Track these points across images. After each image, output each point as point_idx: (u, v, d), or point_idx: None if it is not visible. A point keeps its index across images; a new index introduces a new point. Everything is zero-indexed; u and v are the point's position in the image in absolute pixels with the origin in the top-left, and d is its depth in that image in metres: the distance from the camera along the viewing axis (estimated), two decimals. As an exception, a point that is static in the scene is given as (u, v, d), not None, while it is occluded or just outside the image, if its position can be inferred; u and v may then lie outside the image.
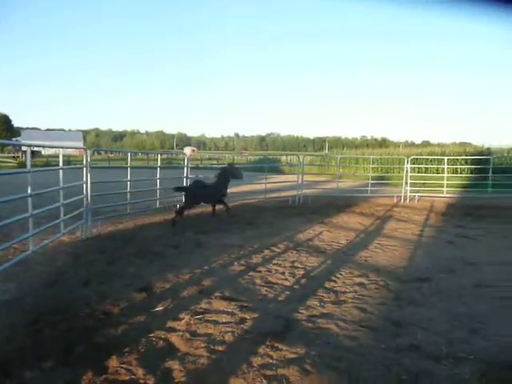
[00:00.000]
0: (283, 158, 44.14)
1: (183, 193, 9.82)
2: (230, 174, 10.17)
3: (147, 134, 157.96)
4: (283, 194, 14.05)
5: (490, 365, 3.15)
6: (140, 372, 3.01)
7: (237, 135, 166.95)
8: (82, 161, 7.87)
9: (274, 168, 25.10)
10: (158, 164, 11.03)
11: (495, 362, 3.19)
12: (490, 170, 14.65)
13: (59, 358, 3.16)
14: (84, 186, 7.65)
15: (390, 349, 3.40)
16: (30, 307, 4.17)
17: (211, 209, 10.16)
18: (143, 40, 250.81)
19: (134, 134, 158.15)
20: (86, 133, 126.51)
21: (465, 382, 2.95)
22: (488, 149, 25.89)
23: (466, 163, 21.25)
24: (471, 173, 19.21)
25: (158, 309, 4.22)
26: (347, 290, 4.92)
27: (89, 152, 7.79)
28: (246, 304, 4.39)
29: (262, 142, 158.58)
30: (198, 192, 9.34)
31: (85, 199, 7.65)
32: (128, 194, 9.28)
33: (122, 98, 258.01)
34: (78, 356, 3.21)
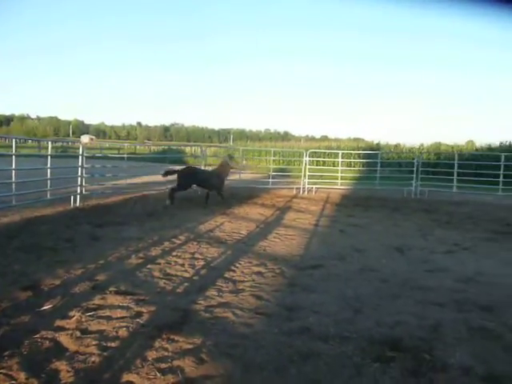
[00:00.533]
0: (187, 148, 43.63)
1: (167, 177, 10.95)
2: (229, 165, 11.33)
3: (39, 119, 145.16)
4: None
5: (370, 342, 3.45)
6: (22, 376, 2.79)
7: (139, 124, 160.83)
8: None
9: (178, 159, 24.71)
10: (49, 152, 10.22)
11: (375, 339, 3.50)
12: (379, 164, 15.94)
13: None
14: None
15: (282, 333, 3.56)
16: None
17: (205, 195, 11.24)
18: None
19: (23, 118, 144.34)
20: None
21: (348, 359, 3.19)
22: (377, 144, 28.15)
23: (359, 157, 22.87)
24: (362, 166, 20.71)
25: (45, 307, 3.93)
26: (245, 279, 5.04)
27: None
28: (142, 297, 4.29)
29: (167, 132, 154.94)
30: (189, 176, 10.72)
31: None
32: (13, 184, 8.48)
33: (8, 78, 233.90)
34: None
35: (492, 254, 6.75)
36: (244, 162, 24.40)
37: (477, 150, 23.08)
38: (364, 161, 20.44)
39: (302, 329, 3.66)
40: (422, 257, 6.45)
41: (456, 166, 14.64)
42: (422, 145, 26.32)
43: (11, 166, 8.38)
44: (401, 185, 15.14)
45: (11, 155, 8.70)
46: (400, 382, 2.91)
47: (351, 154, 22.34)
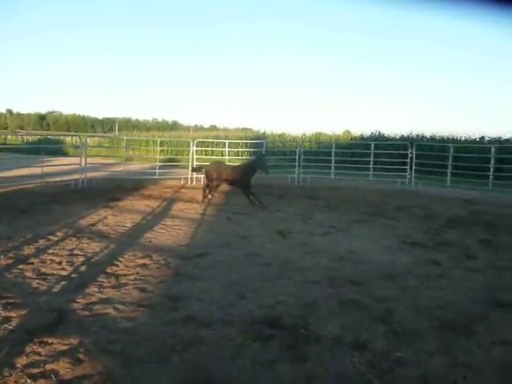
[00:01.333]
0: (68, 138, 40.53)
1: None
2: (259, 164, 10.61)
3: None
4: (65, 177, 12.95)
5: (251, 323, 3.61)
6: None
7: (10, 112, 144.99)
8: None
9: (56, 150, 22.93)
10: None
11: (256, 320, 3.67)
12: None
13: None
14: None
15: (165, 323, 3.55)
16: None
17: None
18: None
19: None
20: None
21: (230, 341, 3.30)
22: (263, 134, 29.10)
23: (246, 146, 23.43)
24: (249, 155, 21.27)
25: None
26: (129, 273, 4.91)
27: None
28: (12, 301, 3.94)
29: (43, 120, 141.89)
30: (215, 172, 10.52)
31: None
32: None
33: None
34: None
35: (363, 234, 7.44)
36: (130, 152, 23.54)
37: (351, 139, 25.10)
38: (251, 150, 21.00)
39: (186, 317, 3.69)
40: (301, 239, 6.87)
41: (333, 153, 15.79)
42: (304, 134, 27.82)
43: None
44: (285, 172, 15.88)
45: None
46: (278, 357, 3.09)
47: (238, 143, 22.78)
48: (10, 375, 2.75)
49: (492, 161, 13.63)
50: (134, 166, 17.60)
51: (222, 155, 19.66)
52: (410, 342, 3.38)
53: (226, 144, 17.27)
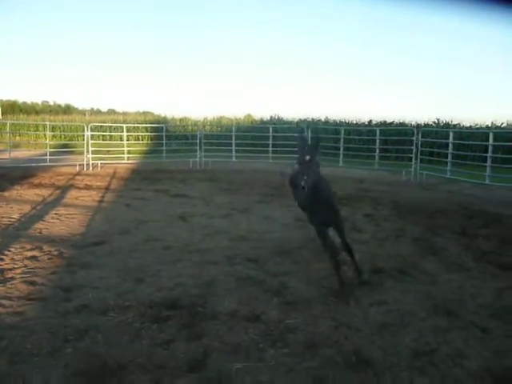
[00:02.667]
0: None
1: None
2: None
3: None
4: None
5: (150, 306, 3.63)
6: None
7: None
8: None
9: None
10: None
11: (154, 303, 3.69)
12: (164, 137, 16.22)
13: None
14: None
15: (58, 315, 3.43)
16: None
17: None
18: None
19: None
20: None
21: (128, 326, 3.29)
22: (164, 118, 28.44)
23: (147, 131, 22.77)
24: (151, 140, 20.76)
25: None
26: (16, 266, 4.59)
27: None
28: None
29: None
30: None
31: None
32: None
33: None
34: None
35: (263, 214, 7.71)
36: (17, 138, 21.59)
37: (252, 122, 25.60)
38: (151, 134, 20.47)
39: (79, 307, 3.58)
40: (202, 222, 6.95)
41: (234, 137, 16.02)
42: (205, 118, 27.73)
43: None
44: (187, 157, 15.76)
45: None
46: (176, 336, 3.16)
47: (138, 127, 22.05)
48: None
49: (377, 142, 14.87)
50: (22, 153, 16.19)
51: (121, 140, 18.92)
52: (300, 311, 3.66)
53: (124, 128, 16.62)
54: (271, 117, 24.87)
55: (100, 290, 3.97)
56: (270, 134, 16.04)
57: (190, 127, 24.10)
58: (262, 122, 24.44)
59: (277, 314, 3.57)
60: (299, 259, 5.09)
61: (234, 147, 15.81)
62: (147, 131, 22.47)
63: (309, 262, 4.95)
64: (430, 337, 3.23)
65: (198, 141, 15.45)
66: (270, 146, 15.80)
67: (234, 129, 16.51)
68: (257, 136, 17.62)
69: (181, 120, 27.20)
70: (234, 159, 15.71)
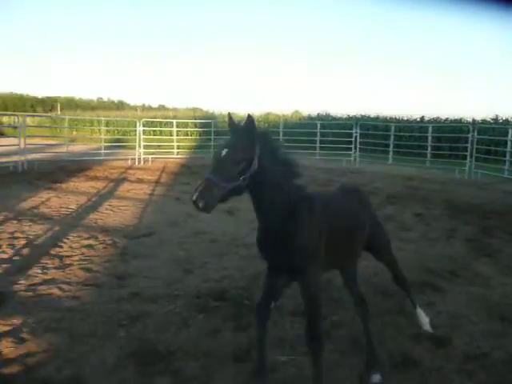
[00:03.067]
0: (4, 118, 38.22)
1: None
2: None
3: None
4: (3, 159, 12.33)
5: (197, 297, 3.73)
6: None
7: None
8: None
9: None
10: None
11: (201, 294, 3.80)
12: (213, 133, 16.47)
13: None
14: None
15: (111, 300, 3.61)
16: None
17: None
18: None
19: None
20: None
21: (176, 315, 3.41)
22: (212, 113, 28.84)
23: (196, 126, 23.18)
24: (200, 135, 21.12)
25: None
26: (74, 254, 4.86)
27: None
28: None
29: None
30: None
31: None
32: None
33: None
34: None
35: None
36: (74, 132, 22.66)
37: (300, 119, 25.46)
38: (200, 129, 20.84)
39: (132, 294, 3.75)
40: (249, 217, 7.00)
41: (282, 133, 16.03)
42: (253, 114, 27.78)
43: None
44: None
45: None
46: (222, 327, 3.24)
47: (187, 123, 22.51)
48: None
49: (429, 139, 14.38)
50: (78, 147, 17.00)
51: (172, 135, 19.41)
52: (345, 307, 3.63)
53: (174, 124, 17.01)
54: (319, 113, 24.63)
55: (150, 279, 4.13)
56: (318, 130, 15.90)
57: (237, 123, 24.27)
58: (310, 118, 24.25)
59: (323, 310, 3.57)
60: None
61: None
62: (196, 127, 22.87)
63: (355, 260, 4.89)
64: (481, 341, 3.13)
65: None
66: (318, 142, 15.68)
67: (281, 125, 16.49)
68: (304, 132, 17.53)
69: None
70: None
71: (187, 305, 3.57)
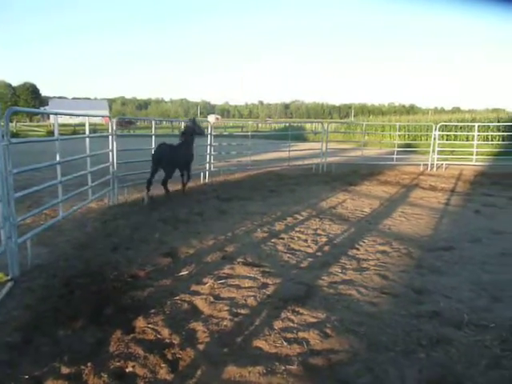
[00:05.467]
0: (307, 125, 43.48)
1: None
2: (194, 131, 8.97)
3: (171, 101, 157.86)
4: (307, 161, 13.94)
5: (511, 333, 3.15)
6: (166, 332, 3.14)
7: (261, 103, 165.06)
8: (108, 129, 7.98)
9: (299, 136, 24.75)
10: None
11: (517, 330, 3.18)
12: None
13: (89, 318, 3.31)
14: (110, 153, 7.78)
15: (410, 315, 3.43)
16: (61, 270, 4.36)
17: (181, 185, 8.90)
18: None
19: (158, 102, 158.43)
20: (111, 101, 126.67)
21: (486, 348, 2.96)
22: (521, 115, 24.87)
23: (499, 130, 20.50)
24: (503, 140, 18.56)
25: (182, 273, 4.34)
26: (370, 258, 4.94)
27: (114, 120, 7.89)
28: (268, 270, 4.47)
29: (287, 109, 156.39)
30: (170, 156, 7.99)
31: (111, 167, 7.80)
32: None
33: (147, 66, 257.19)
34: (106, 316, 3.37)
35: None
36: (366, 137, 23.61)
37: None
38: (505, 134, 18.27)
39: (432, 313, 3.48)
40: None
41: None
42: None
43: (151, 145, 9.23)
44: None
45: (151, 135, 9.58)
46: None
47: (489, 126, 20.10)
48: (270, 335, 3.12)
49: None
50: (371, 152, 17.56)
51: (468, 139, 17.75)
52: None
53: (476, 127, 15.42)
54: None
55: (451, 300, 3.74)
56: None
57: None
58: None
59: None
60: None
61: None
62: (499, 130, 20.19)
63: None
64: None
65: None
66: None
67: None
68: None
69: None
70: None
71: (499, 340, 3.05)
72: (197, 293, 3.88)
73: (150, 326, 3.23)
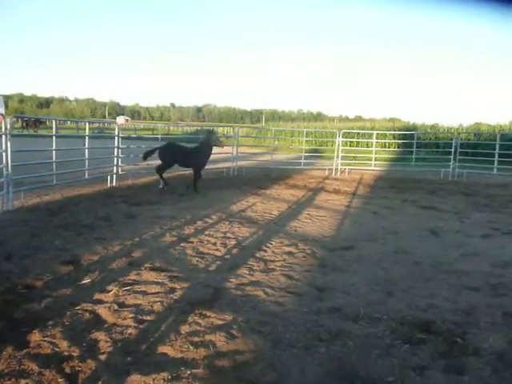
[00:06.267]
0: (220, 129, 43.70)
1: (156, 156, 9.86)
2: (211, 142, 10.09)
3: (76, 101, 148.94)
4: (218, 165, 13.99)
5: (401, 324, 3.44)
6: (64, 344, 2.95)
7: (173, 105, 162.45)
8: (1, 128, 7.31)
9: (211, 139, 24.79)
10: (87, 133, 10.49)
11: (406, 321, 3.49)
12: (415, 145, 15.54)
13: (-25, 334, 3.01)
14: (3, 154, 7.15)
15: (312, 312, 3.60)
16: None
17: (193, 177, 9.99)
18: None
19: (62, 100, 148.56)
20: (7, 98, 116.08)
21: (379, 339, 3.20)
22: (414, 124, 27.32)
23: (394, 138, 22.32)
24: (398, 147, 20.25)
25: (84, 281, 4.12)
26: (276, 259, 5.09)
27: (8, 119, 7.26)
28: (176, 274, 4.42)
29: (199, 112, 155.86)
30: (171, 153, 9.74)
31: (4, 169, 7.16)
32: (54, 164, 8.78)
33: (48, 61, 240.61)
34: (-4, 332, 3.08)
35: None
36: (275, 142, 24.36)
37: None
38: (400, 141, 19.96)
39: (332, 309, 3.69)
40: (457, 240, 6.30)
41: (498, 146, 14.09)
42: (460, 125, 25.42)
43: (52, 146, 8.66)
44: (438, 166, 14.72)
45: (51, 136, 8.98)
46: (430, 364, 2.89)
47: (386, 134, 21.82)
48: (176, 340, 3.08)
49: None
50: (280, 156, 18.14)
51: (368, 146, 19.09)
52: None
53: (374, 135, 16.67)
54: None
55: (350, 296, 4.00)
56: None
57: (441, 135, 22.49)
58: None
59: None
60: None
61: (496, 158, 13.91)
62: (395, 138, 22.01)
63: None
64: None
65: (452, 150, 14.21)
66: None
67: (497, 137, 14.49)
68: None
69: (432, 127, 25.66)
70: (495, 171, 13.84)
71: (390, 331, 3.32)
72: (100, 301, 3.71)
73: (46, 339, 3.02)
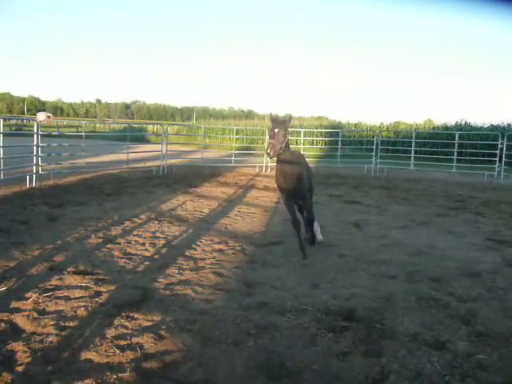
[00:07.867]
0: (149, 127, 42.63)
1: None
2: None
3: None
4: (148, 163, 13.69)
5: (326, 314, 3.60)
6: (-24, 358, 2.75)
7: (99, 101, 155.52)
8: None
9: (139, 137, 24.15)
10: (1, 130, 9.74)
11: (330, 311, 3.65)
12: (339, 142, 16.21)
13: None
14: None
15: (241, 307, 3.66)
16: None
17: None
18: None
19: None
20: None
21: (305, 330, 3.33)
22: (339, 123, 28.48)
23: (321, 135, 23.12)
24: (325, 144, 21.03)
25: (0, 290, 3.86)
26: (206, 257, 5.10)
27: None
28: (102, 277, 4.27)
29: (127, 109, 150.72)
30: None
31: None
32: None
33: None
34: None
35: (444, 228, 7.06)
36: (207, 140, 24.26)
37: (434, 128, 23.79)
38: (326, 139, 20.71)
39: (260, 303, 3.77)
40: (378, 232, 6.69)
41: (414, 144, 15.10)
42: (381, 123, 26.88)
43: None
44: (362, 162, 15.48)
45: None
46: (352, 349, 3.06)
47: (313, 132, 22.53)
48: (101, 344, 2.99)
49: None
50: (211, 154, 18.11)
51: (297, 144, 19.57)
52: (494, 346, 3.18)
53: (302, 133, 17.14)
54: (456, 122, 22.73)
55: (278, 290, 4.11)
56: (456, 141, 14.61)
57: (364, 133, 23.66)
58: (446, 128, 22.49)
59: (466, 346, 3.17)
60: (491, 285, 4.46)
61: (412, 154, 14.92)
62: (322, 136, 22.79)
63: (505, 291, 4.30)
64: None
65: (374, 147, 15.03)
66: (455, 154, 14.40)
67: (413, 135, 15.55)
68: (439, 143, 16.28)
69: (356, 125, 26.90)
70: (411, 167, 14.83)
71: (315, 321, 3.46)
72: (17, 310, 3.49)
73: (-45, 354, 2.80)
